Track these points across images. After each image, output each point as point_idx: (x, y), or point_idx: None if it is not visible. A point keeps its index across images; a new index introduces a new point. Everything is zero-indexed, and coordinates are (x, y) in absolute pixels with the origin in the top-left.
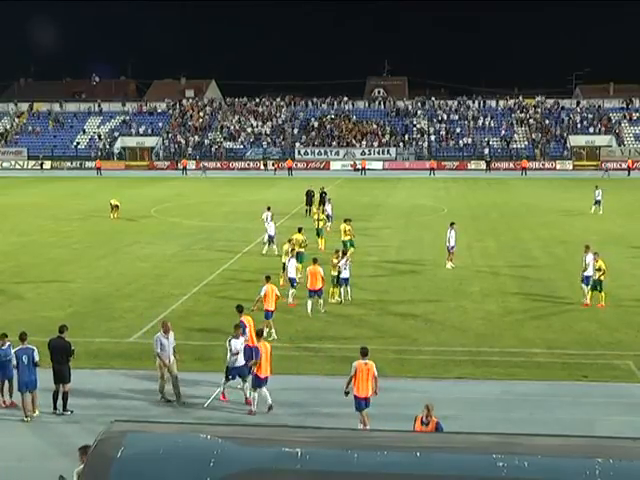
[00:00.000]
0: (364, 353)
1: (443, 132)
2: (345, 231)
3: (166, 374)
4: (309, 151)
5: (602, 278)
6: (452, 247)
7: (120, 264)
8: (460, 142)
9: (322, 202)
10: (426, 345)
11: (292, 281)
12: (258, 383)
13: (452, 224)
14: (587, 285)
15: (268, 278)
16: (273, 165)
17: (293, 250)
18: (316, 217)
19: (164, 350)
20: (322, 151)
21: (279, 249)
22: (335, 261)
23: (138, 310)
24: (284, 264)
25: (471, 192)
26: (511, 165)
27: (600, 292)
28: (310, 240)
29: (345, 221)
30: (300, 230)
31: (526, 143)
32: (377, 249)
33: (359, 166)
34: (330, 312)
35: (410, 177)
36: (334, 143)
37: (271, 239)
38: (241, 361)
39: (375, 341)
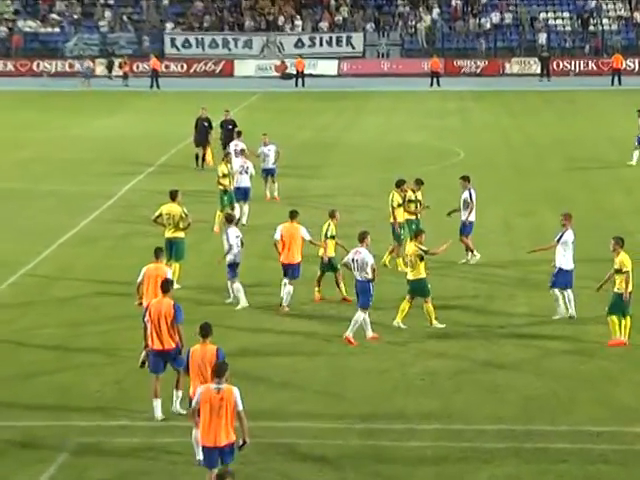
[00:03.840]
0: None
1: (457, 1)
2: (395, 203)
3: None
4: (192, 41)
5: (624, 288)
6: (468, 224)
7: None
8: (488, 21)
9: (226, 141)
10: (425, 418)
11: (364, 301)
12: None
13: (465, 179)
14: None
15: (158, 252)
16: (121, 67)
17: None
18: (223, 172)
19: None
20: (218, 41)
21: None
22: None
23: None
24: (337, 267)
25: (512, 119)
26: (591, 66)
27: (624, 316)
28: (205, 212)
29: (398, 186)
30: (174, 196)
31: (621, 23)
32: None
33: (291, 69)
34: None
35: (393, 90)
36: (243, 24)
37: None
38: None
39: (327, 410)
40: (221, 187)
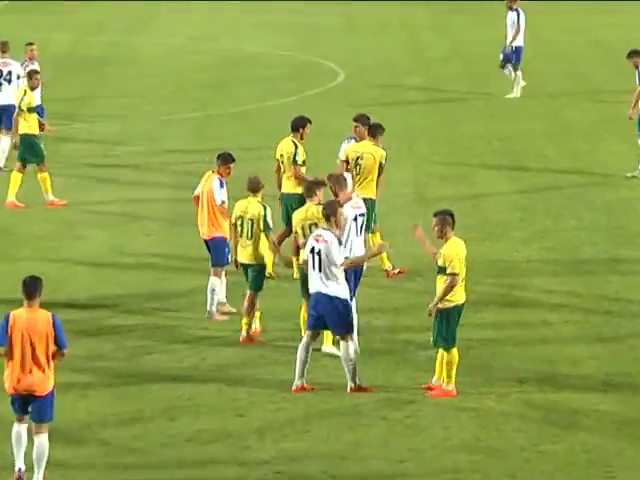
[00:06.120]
0: None
1: None
2: (300, 159)
3: None
4: None
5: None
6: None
7: None
8: None
9: None
10: None
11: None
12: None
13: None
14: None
15: None
16: None
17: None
18: (31, 103)
19: None
20: None
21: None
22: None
23: None
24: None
25: (428, 12)
26: None
27: (446, 349)
28: None
29: (296, 129)
30: None
31: None
32: (98, 217)
33: None
34: None
35: None
36: None
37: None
38: None
39: None
40: (30, 131)
